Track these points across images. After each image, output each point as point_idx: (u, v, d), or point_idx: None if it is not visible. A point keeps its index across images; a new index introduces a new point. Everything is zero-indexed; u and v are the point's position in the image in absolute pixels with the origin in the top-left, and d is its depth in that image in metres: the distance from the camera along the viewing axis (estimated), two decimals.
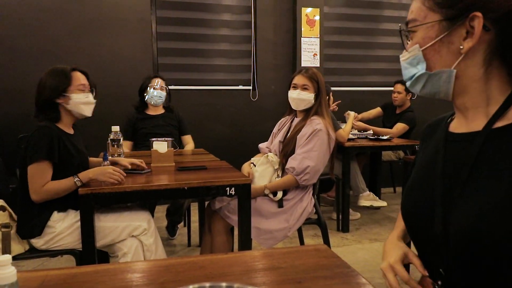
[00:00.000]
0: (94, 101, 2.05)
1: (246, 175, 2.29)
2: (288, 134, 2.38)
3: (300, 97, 2.33)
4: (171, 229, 3.34)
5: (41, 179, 1.79)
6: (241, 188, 1.89)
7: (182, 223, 3.45)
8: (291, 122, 2.47)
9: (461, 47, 0.76)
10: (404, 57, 0.86)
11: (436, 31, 0.78)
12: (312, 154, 2.21)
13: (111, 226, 1.90)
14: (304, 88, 2.32)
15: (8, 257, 0.76)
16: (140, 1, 4.13)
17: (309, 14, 4.53)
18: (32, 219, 1.84)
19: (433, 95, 0.84)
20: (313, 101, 2.33)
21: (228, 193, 1.88)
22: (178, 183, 1.83)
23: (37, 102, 1.92)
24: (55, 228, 1.85)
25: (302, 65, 4.55)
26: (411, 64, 0.84)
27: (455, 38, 0.77)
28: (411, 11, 0.83)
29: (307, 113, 2.36)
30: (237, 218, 2.07)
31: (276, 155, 2.38)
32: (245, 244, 1.91)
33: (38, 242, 1.85)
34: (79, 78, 1.98)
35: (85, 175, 1.83)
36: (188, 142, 3.30)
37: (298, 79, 2.35)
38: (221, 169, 2.19)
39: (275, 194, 2.23)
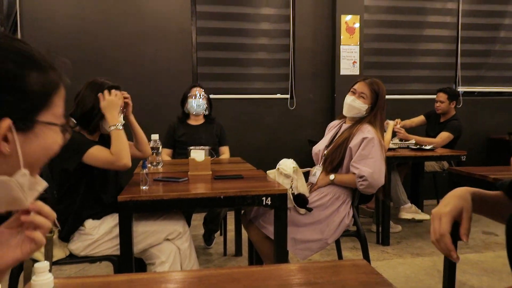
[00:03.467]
0: (123, 122, 2.04)
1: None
2: (335, 139, 2.35)
3: (353, 104, 2.30)
4: (208, 238, 3.35)
5: (102, 153, 1.86)
6: (277, 198, 1.86)
7: (218, 232, 3.45)
8: (340, 127, 2.44)
9: None
10: None
11: None
12: (368, 162, 2.16)
13: (147, 231, 1.93)
14: (361, 95, 2.29)
15: (45, 264, 0.77)
16: (181, 12, 4.23)
17: (349, 21, 4.46)
18: (65, 224, 1.90)
19: None
20: (364, 112, 2.30)
21: (264, 203, 1.86)
22: (214, 192, 1.83)
23: (76, 113, 1.95)
24: (93, 235, 1.90)
25: (341, 74, 4.48)
26: None
27: None
28: None
29: (357, 122, 2.32)
30: (272, 228, 2.04)
31: (321, 162, 2.34)
32: (281, 256, 1.87)
33: (77, 249, 1.90)
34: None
35: (112, 119, 1.91)
36: (224, 152, 3.30)
37: (359, 86, 2.32)
38: (257, 178, 2.18)
39: (302, 206, 2.16)
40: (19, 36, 3.97)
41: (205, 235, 3.35)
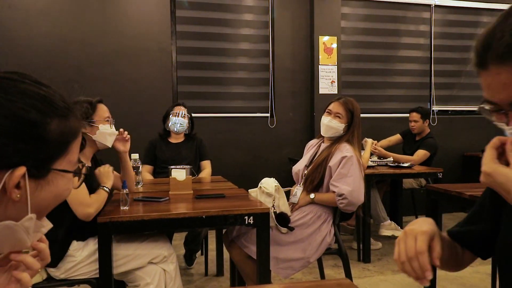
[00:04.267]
0: (117, 132, 2.12)
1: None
2: (314, 159, 2.37)
3: (330, 124, 2.34)
4: (189, 258, 3.29)
5: (83, 192, 1.81)
6: (259, 217, 1.86)
7: (199, 252, 3.40)
8: (319, 146, 2.47)
9: None
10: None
11: None
12: (347, 180, 2.19)
13: (132, 254, 1.88)
14: (336, 115, 2.33)
15: None
16: (161, 32, 4.25)
17: (327, 42, 4.57)
18: (52, 249, 1.83)
19: None
20: (341, 132, 2.34)
21: (246, 222, 1.85)
22: (196, 212, 1.81)
23: None
24: (75, 257, 1.84)
25: (320, 93, 4.56)
26: None
27: None
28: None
29: (335, 141, 2.36)
30: (255, 248, 2.03)
31: (301, 181, 2.35)
32: (264, 276, 1.86)
33: (57, 271, 1.84)
34: (106, 110, 2.07)
35: (105, 182, 1.92)
36: (205, 167, 3.28)
37: (333, 106, 2.37)
38: (239, 197, 2.17)
39: (284, 225, 2.17)
40: None
41: (186, 255, 3.30)
